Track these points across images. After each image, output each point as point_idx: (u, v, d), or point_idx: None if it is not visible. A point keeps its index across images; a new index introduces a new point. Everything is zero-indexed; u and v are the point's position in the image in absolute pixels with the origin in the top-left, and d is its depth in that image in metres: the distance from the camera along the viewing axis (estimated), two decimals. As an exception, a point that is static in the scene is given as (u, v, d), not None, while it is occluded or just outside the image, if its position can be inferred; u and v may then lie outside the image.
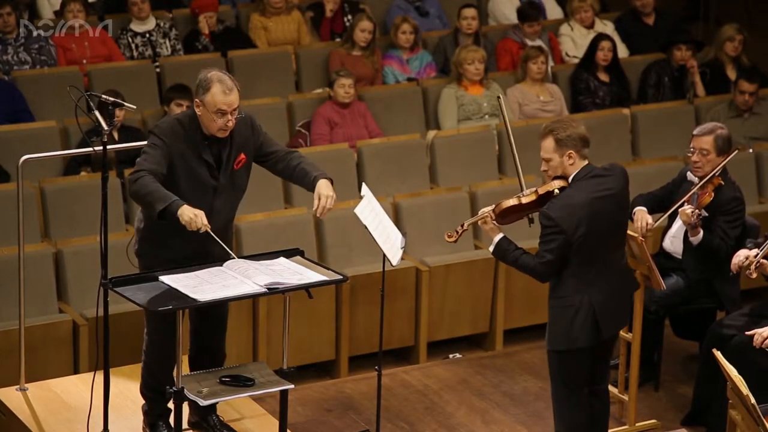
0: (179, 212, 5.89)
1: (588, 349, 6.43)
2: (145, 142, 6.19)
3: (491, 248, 6.45)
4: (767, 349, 6.78)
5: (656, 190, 7.89)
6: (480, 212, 6.48)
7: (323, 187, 6.24)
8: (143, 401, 6.53)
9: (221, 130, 6.10)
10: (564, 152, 6.34)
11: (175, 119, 6.22)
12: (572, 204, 6.27)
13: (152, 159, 6.05)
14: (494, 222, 6.43)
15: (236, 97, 6.09)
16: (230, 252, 6.14)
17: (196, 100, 6.11)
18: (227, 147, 6.20)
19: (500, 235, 6.43)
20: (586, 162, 6.40)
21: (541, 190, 6.40)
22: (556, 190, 6.35)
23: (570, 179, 6.37)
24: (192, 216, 5.89)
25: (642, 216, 7.58)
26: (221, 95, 6.04)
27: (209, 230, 5.95)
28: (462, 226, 6.50)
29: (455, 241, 6.53)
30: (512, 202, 6.43)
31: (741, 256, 7.10)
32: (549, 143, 6.36)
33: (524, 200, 6.43)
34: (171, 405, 6.40)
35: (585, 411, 6.58)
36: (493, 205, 6.46)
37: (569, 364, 6.45)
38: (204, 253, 6.18)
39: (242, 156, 6.25)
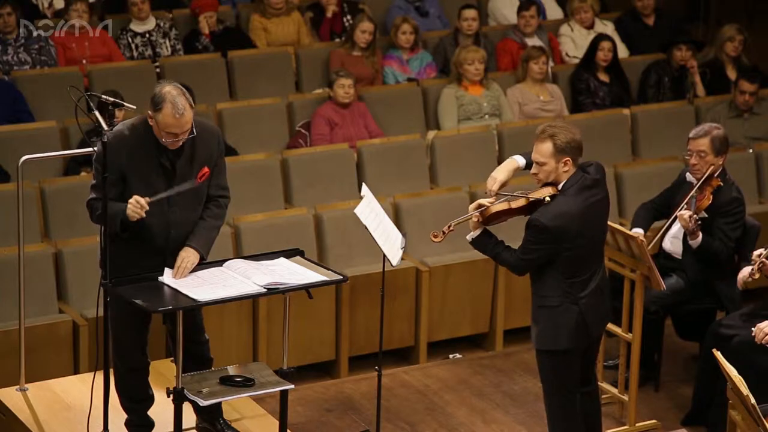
0: (126, 214, 5.90)
1: (578, 350, 6.39)
2: (95, 155, 6.03)
3: (469, 238, 6.33)
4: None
5: (656, 197, 7.88)
6: (470, 208, 6.30)
7: (186, 250, 6.07)
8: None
9: (170, 144, 5.97)
10: (561, 159, 6.17)
11: (130, 125, 6.06)
12: (568, 214, 6.13)
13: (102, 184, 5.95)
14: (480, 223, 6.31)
15: (188, 118, 5.90)
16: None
17: (149, 112, 5.96)
18: (185, 158, 6.04)
19: (480, 229, 6.31)
20: (576, 169, 6.23)
21: (532, 196, 6.23)
22: (547, 198, 6.18)
23: (560, 186, 6.22)
24: (132, 210, 5.88)
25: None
26: (171, 118, 5.87)
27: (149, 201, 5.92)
28: (449, 226, 6.30)
29: (440, 242, 6.35)
30: (501, 207, 6.26)
31: (745, 271, 7.09)
32: (547, 148, 6.17)
33: (514, 205, 6.26)
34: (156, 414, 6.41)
35: (579, 417, 6.54)
36: (480, 203, 6.28)
37: (561, 366, 6.38)
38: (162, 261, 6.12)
39: (206, 169, 6.10)
